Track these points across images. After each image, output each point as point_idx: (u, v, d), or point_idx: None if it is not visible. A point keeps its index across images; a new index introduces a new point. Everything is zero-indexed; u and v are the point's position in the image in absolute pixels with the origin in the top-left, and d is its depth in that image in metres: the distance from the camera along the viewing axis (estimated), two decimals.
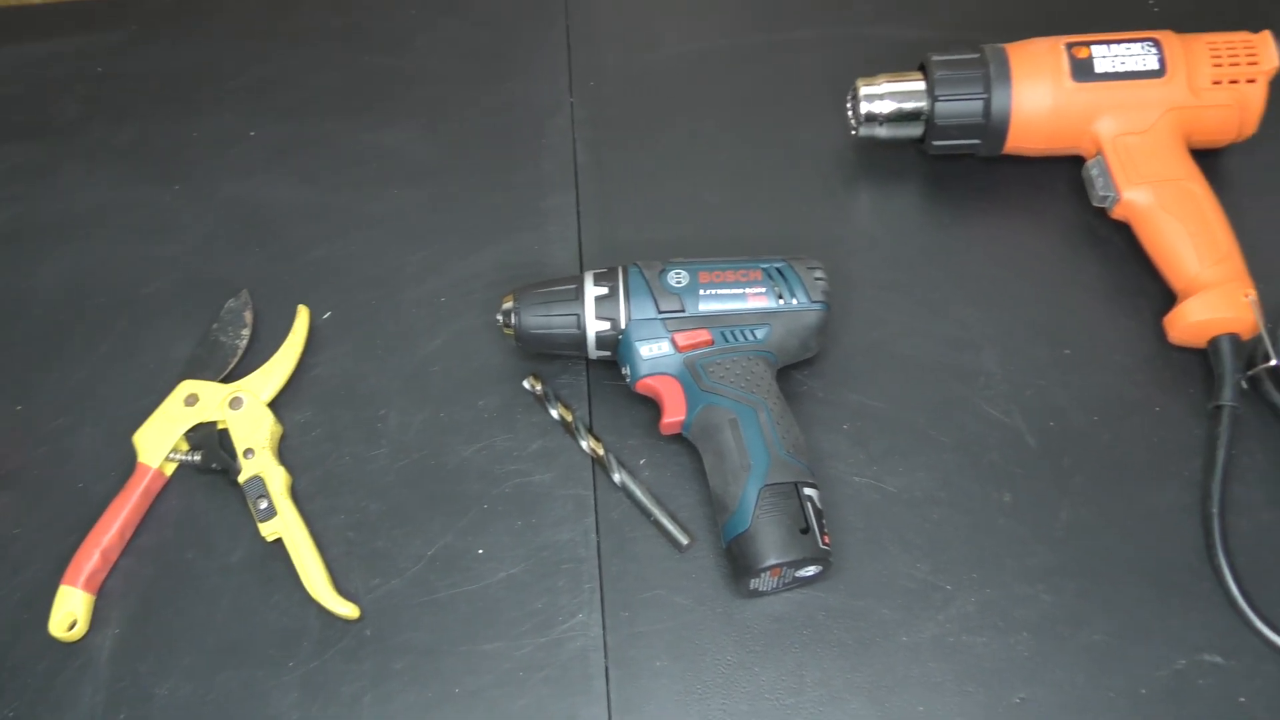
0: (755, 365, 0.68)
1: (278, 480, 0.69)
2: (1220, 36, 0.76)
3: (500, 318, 0.70)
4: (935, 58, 0.78)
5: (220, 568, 0.68)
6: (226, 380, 0.73)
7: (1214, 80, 0.75)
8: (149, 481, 0.69)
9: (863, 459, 0.70)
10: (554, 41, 0.92)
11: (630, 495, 0.68)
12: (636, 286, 0.69)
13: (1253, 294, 0.69)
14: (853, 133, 0.81)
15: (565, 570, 0.67)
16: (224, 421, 0.71)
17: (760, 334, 0.68)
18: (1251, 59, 0.75)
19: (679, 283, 0.69)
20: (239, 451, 0.70)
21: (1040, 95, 0.76)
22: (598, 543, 0.68)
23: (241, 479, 0.69)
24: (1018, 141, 0.78)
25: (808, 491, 0.64)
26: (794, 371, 0.72)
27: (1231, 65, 0.75)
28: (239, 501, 0.69)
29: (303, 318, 0.76)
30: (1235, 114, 0.75)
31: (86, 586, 0.66)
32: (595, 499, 0.69)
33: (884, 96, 0.78)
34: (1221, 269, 0.70)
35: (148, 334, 0.78)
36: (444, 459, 0.71)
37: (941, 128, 0.78)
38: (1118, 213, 0.75)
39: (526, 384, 0.73)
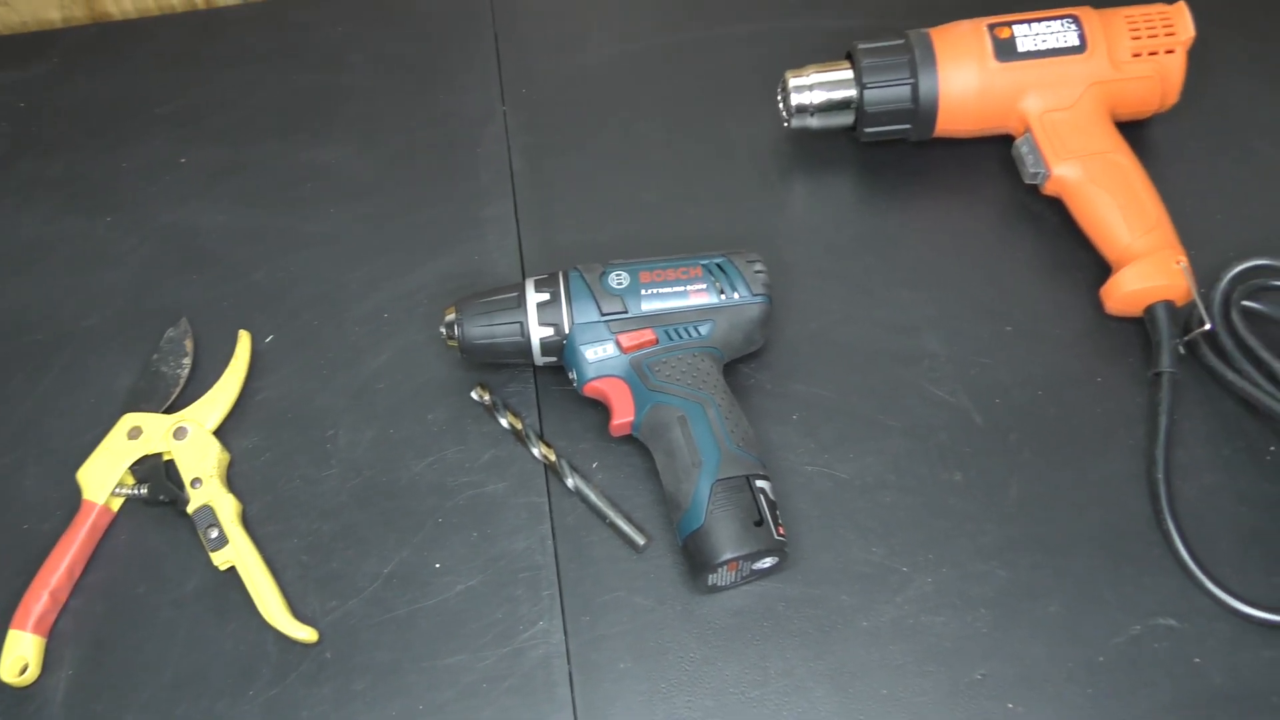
0: (701, 362, 0.68)
1: (227, 508, 0.68)
2: (1137, 10, 0.77)
3: (444, 330, 0.70)
4: (861, 46, 0.78)
5: (173, 600, 0.67)
6: (170, 410, 0.73)
7: (1134, 53, 0.76)
8: (95, 518, 0.68)
9: (813, 448, 0.70)
10: (483, 51, 0.92)
11: (584, 499, 0.68)
12: (578, 290, 0.69)
13: (1184, 260, 0.71)
14: (785, 125, 0.81)
15: (523, 579, 0.66)
16: (169, 452, 0.70)
17: (704, 330, 0.68)
18: (1169, 30, 0.76)
19: (620, 284, 0.69)
20: (186, 481, 0.69)
21: (966, 77, 0.76)
22: (554, 549, 0.67)
23: (190, 509, 0.68)
24: (947, 124, 0.78)
25: (760, 484, 0.64)
26: (740, 365, 0.73)
27: (1150, 37, 0.76)
28: (189, 532, 0.68)
29: (244, 342, 0.75)
30: (1157, 85, 0.77)
31: (36, 629, 0.65)
32: (550, 505, 0.69)
33: (813, 87, 0.79)
34: (1152, 238, 0.71)
35: (88, 368, 0.76)
36: (395, 475, 0.71)
37: (871, 115, 0.78)
38: (1049, 189, 0.76)
39: (475, 395, 0.72)
